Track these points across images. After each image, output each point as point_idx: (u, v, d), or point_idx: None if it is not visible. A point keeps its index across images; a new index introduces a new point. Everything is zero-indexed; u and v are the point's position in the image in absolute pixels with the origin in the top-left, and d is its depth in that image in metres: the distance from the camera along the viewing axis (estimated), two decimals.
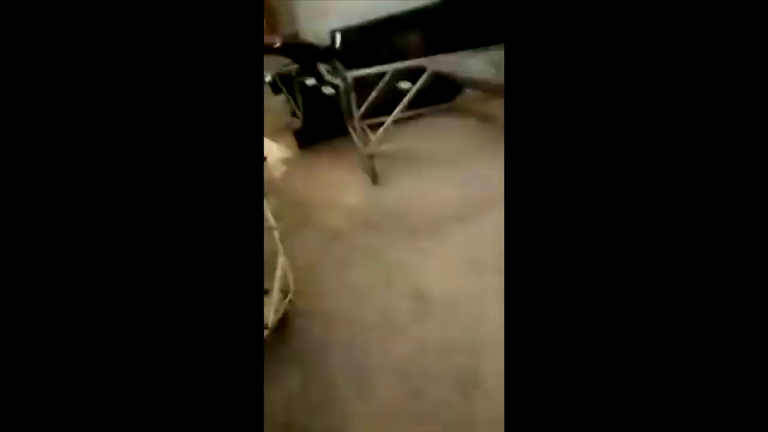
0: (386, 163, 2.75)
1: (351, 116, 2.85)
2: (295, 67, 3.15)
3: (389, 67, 2.55)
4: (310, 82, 3.69)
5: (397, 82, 3.01)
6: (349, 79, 2.51)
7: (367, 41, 2.79)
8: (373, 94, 2.87)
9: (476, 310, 1.70)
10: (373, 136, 2.83)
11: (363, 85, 2.83)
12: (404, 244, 2.13)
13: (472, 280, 1.83)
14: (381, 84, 2.82)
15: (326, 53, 3.75)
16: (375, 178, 2.67)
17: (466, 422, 1.35)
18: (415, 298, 1.81)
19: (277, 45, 3.25)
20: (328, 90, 3.49)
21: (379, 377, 1.52)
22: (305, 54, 3.88)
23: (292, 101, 3.37)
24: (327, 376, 1.55)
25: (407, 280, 1.90)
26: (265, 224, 1.63)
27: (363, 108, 2.86)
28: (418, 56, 2.54)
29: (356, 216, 2.39)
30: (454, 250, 2.03)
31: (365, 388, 1.49)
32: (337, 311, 1.81)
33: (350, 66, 2.58)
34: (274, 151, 1.53)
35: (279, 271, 1.68)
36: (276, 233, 1.67)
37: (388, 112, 3.00)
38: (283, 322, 1.72)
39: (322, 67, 3.07)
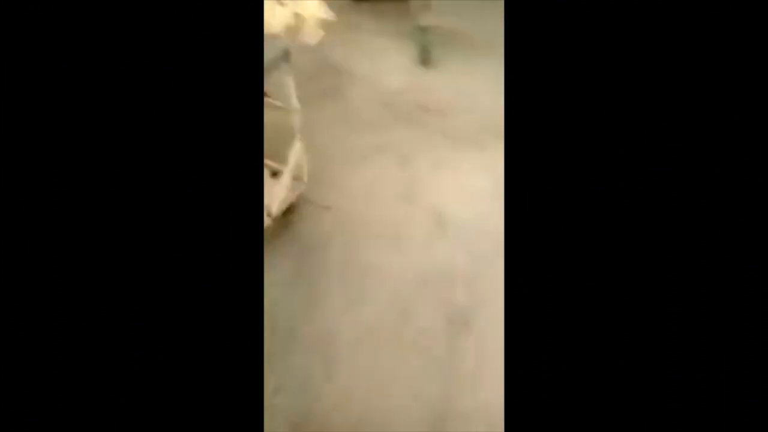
0: (444, 42, 2.34)
1: None
2: None
3: None
4: None
5: None
6: None
7: None
8: None
9: (492, 242, 1.57)
10: (435, 4, 2.37)
11: None
12: (440, 153, 1.91)
13: (498, 207, 1.66)
14: None
15: None
16: (425, 59, 2.30)
17: (449, 355, 1.33)
18: (431, 217, 1.67)
19: None
20: None
21: (371, 292, 1.46)
22: None
23: None
24: (320, 277, 1.50)
25: (428, 196, 1.74)
26: (285, 104, 1.41)
27: None
28: None
29: (392, 103, 2.11)
30: (490, 171, 1.81)
31: (355, 302, 1.44)
32: (347, 210, 1.69)
33: None
34: (312, 11, 1.23)
35: (293, 157, 1.52)
36: (296, 117, 1.45)
37: None
38: (290, 210, 1.62)
39: None
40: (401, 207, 1.71)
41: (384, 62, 2.33)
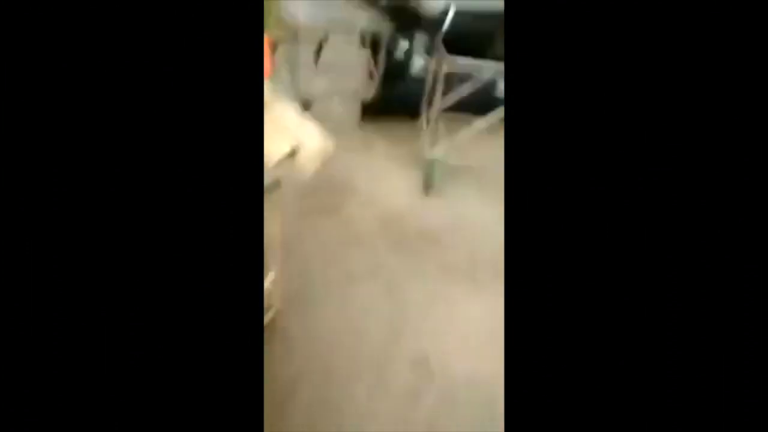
0: (449, 173, 2.34)
1: (430, 104, 2.44)
2: (389, 26, 2.71)
3: (493, 66, 2.11)
4: (402, 48, 3.26)
5: (496, 85, 2.58)
6: (446, 63, 2.07)
7: (479, 31, 2.33)
8: (465, 88, 2.43)
9: (485, 398, 1.34)
10: (445, 137, 2.42)
11: (453, 76, 2.40)
12: (434, 286, 1.76)
13: (495, 358, 1.46)
14: (475, 81, 2.38)
15: (432, 24, 3.29)
16: (428, 188, 2.28)
17: None
18: (416, 366, 1.47)
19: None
20: (417, 65, 3.06)
21: None
22: (408, 16, 3.41)
23: (372, 63, 2.96)
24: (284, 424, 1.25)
25: (416, 337, 1.55)
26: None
27: (447, 101, 2.44)
28: None
29: (389, 227, 2.02)
30: (485, 314, 1.65)
31: None
32: (324, 343, 1.49)
33: (450, 50, 2.13)
34: (309, 142, 1.16)
35: (267, 283, 1.37)
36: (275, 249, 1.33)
37: (474, 114, 2.58)
38: None
39: (419, 39, 2.62)
40: (386, 346, 1.51)
41: (387, 185, 2.30)
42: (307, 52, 3.22)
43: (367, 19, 2.67)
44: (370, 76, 3.01)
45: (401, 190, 2.28)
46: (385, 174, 2.40)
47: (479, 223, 2.12)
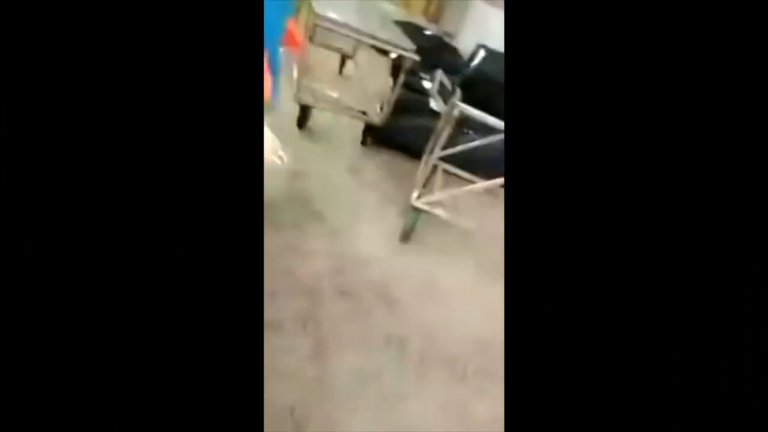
0: (434, 226, 2.09)
1: (433, 149, 2.23)
2: (417, 59, 2.53)
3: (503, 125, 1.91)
4: (424, 85, 3.09)
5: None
6: (459, 110, 1.86)
7: (500, 86, 2.15)
8: (473, 142, 2.22)
9: None
10: (439, 188, 2.19)
11: (464, 128, 2.21)
12: (357, 357, 1.48)
13: None
14: (486, 138, 2.18)
15: (457, 66, 3.14)
16: (406, 236, 2.02)
17: None
18: None
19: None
20: (435, 104, 2.87)
21: None
22: (435, 52, 3.25)
23: (391, 89, 2.77)
24: None
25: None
26: None
27: (450, 149, 2.23)
28: None
29: (340, 270, 1.74)
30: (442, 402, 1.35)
31: None
32: None
33: (469, 99, 1.93)
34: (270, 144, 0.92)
35: None
36: None
37: (478, 174, 2.37)
38: None
39: (441, 77, 2.43)
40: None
41: (362, 220, 2.05)
42: (318, 55, 3.04)
43: (400, 46, 2.51)
44: (384, 102, 2.81)
45: (376, 230, 2.02)
46: (364, 207, 2.15)
47: (446, 291, 1.86)
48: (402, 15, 4.71)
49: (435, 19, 5.71)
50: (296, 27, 1.46)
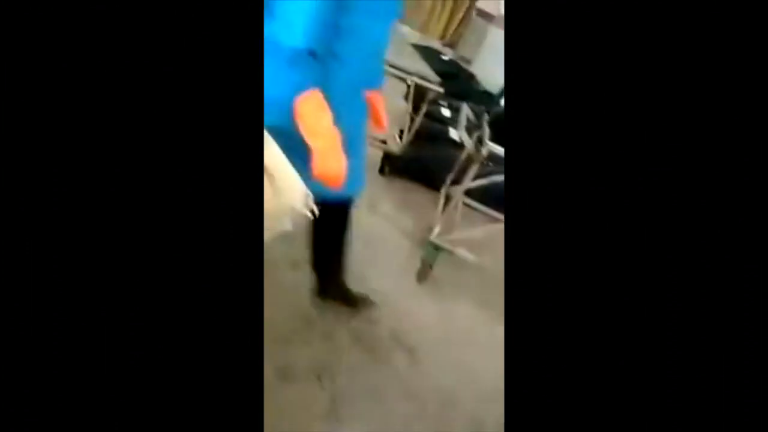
0: (454, 266, 2.00)
1: (456, 182, 2.15)
2: (439, 87, 2.47)
3: None
4: (444, 114, 3.03)
5: None
6: (486, 147, 1.78)
7: None
8: (496, 178, 2.14)
9: None
10: (461, 225, 2.11)
11: (489, 163, 2.13)
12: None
13: None
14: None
15: (482, 98, 3.08)
16: (422, 275, 1.94)
17: None
18: None
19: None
20: (459, 135, 2.80)
21: None
22: (460, 84, 3.21)
23: (409, 116, 2.71)
24: None
25: None
26: None
27: (475, 185, 2.15)
28: None
29: (366, 316, 1.65)
30: None
31: None
32: None
33: (497, 136, 1.85)
34: (289, 190, 0.85)
35: None
36: None
37: (497, 208, 2.29)
38: None
39: (465, 111, 2.37)
40: None
41: (376, 256, 1.96)
42: None
43: (419, 72, 2.45)
44: (400, 133, 2.75)
45: (390, 267, 1.94)
46: (378, 242, 2.06)
47: (467, 337, 1.76)
48: (419, 38, 4.69)
49: (452, 43, 5.70)
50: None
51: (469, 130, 2.39)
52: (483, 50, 4.86)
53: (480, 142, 1.92)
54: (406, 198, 2.49)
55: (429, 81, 2.35)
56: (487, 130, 1.87)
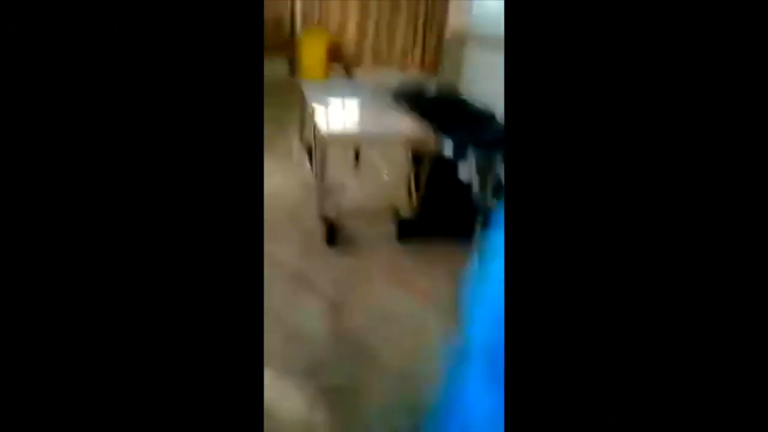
0: None
1: (485, 225, 1.92)
2: (433, 127, 2.30)
3: None
4: (448, 149, 2.82)
5: None
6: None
7: None
8: None
9: None
10: None
11: None
12: None
13: None
14: None
15: (488, 127, 2.84)
16: None
17: None
18: None
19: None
20: (464, 173, 2.58)
21: None
22: (454, 110, 2.94)
23: (413, 176, 2.52)
24: None
25: None
26: None
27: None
28: None
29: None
30: None
31: None
32: None
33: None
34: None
35: None
36: None
37: None
38: None
39: (473, 162, 2.17)
40: None
41: (426, 353, 1.74)
42: (335, 164, 2.84)
43: (411, 128, 2.29)
44: (412, 190, 2.56)
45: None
46: (423, 332, 1.81)
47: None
48: (399, 77, 4.59)
49: (434, 70, 5.61)
50: None
51: (481, 168, 2.18)
52: (465, 71, 4.73)
53: (497, 189, 1.71)
54: (436, 264, 2.26)
55: (426, 144, 2.20)
56: (500, 176, 1.66)
